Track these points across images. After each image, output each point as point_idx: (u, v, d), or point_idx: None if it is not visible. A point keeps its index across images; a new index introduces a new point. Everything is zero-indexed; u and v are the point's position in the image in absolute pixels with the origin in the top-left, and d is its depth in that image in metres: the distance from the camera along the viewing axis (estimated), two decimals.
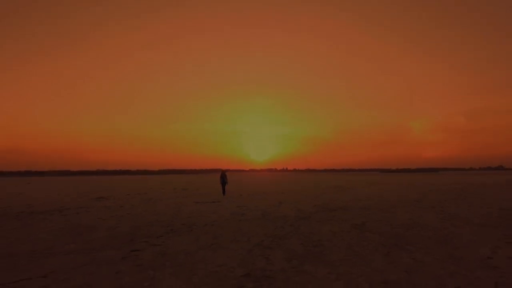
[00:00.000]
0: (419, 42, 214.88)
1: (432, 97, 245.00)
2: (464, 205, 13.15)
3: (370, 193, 20.62)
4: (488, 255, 5.53)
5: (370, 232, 7.70)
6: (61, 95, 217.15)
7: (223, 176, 19.91)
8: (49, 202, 16.79)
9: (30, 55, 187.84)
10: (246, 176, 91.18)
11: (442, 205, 13.07)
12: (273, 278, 4.49)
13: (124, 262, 5.41)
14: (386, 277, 4.49)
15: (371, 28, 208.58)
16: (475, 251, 5.80)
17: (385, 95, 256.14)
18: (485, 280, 4.33)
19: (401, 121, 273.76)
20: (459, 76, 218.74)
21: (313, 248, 6.19)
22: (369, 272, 4.69)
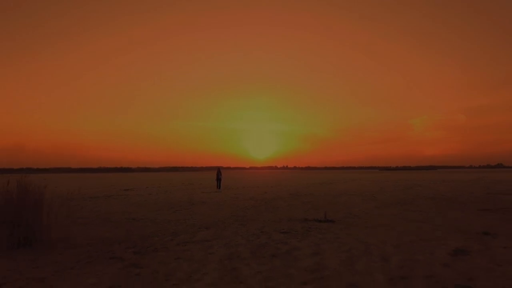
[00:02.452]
0: (419, 39, 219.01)
1: (432, 95, 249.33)
2: (398, 193, 18.59)
3: (341, 187, 26.10)
4: (356, 209, 11.02)
5: (309, 204, 13.19)
6: (61, 93, 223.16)
7: (219, 172, 25.49)
8: (91, 193, 22.30)
9: (31, 53, 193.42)
10: (245, 173, 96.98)
11: (382, 194, 18.48)
12: (245, 216, 10.03)
13: (175, 213, 10.96)
14: (296, 216, 9.97)
15: (371, 26, 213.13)
16: (350, 209, 11.29)
17: (386, 93, 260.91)
18: (340, 217, 9.76)
19: (401, 119, 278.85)
20: (460, 74, 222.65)
21: (271, 209, 11.74)
22: (290, 215, 10.19)
